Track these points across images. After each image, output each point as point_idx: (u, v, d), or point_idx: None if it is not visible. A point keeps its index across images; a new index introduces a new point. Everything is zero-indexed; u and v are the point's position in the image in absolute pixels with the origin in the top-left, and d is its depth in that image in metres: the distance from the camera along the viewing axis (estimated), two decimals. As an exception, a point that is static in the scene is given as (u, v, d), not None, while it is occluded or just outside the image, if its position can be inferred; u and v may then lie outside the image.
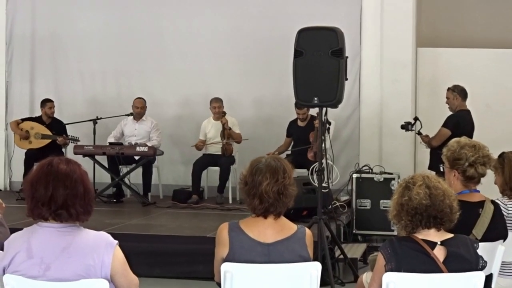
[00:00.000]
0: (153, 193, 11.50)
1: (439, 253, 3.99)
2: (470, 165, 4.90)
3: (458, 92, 10.01)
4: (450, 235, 4.07)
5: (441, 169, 5.13)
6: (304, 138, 10.70)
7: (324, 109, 7.88)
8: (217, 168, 11.24)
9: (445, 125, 9.90)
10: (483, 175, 4.97)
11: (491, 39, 11.77)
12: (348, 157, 11.67)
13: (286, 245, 4.23)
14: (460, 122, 9.81)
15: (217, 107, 11.31)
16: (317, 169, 7.99)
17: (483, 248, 4.34)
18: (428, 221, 4.02)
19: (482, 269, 4.08)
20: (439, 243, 4.00)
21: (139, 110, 11.61)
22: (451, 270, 3.95)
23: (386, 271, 3.98)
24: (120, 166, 11.25)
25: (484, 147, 4.98)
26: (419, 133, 10.14)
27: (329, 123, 9.17)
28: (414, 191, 4.03)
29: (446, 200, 4.03)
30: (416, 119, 10.26)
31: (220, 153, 11.20)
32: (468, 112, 10.00)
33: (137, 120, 11.67)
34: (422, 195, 4.01)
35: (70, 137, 11.61)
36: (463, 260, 3.99)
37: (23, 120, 11.88)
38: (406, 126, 10.26)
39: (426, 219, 4.02)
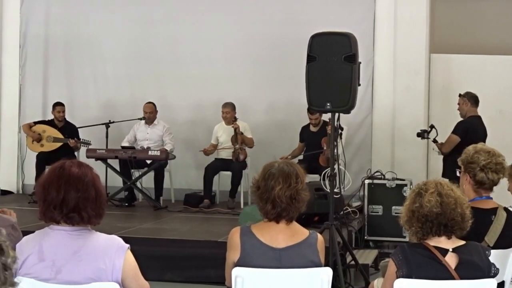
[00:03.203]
0: (165, 197, 11.52)
1: (451, 260, 3.97)
2: (480, 169, 4.88)
3: (468, 98, 9.99)
4: (462, 242, 4.05)
5: (458, 174, 5.12)
6: (316, 143, 10.70)
7: (337, 114, 7.86)
8: (229, 173, 11.25)
9: (454, 131, 9.89)
10: (494, 182, 4.93)
11: (505, 45, 11.75)
12: (360, 163, 11.65)
13: (297, 250, 4.23)
14: (469, 128, 9.79)
15: (225, 112, 11.34)
16: (329, 174, 7.98)
17: (495, 255, 4.32)
18: (439, 229, 4.00)
19: (494, 276, 4.06)
20: (450, 250, 3.99)
21: (148, 115, 11.64)
22: (463, 277, 3.93)
23: (397, 278, 3.96)
24: (132, 170, 11.27)
25: (499, 155, 4.95)
26: (434, 140, 10.12)
27: (342, 129, 9.14)
28: (426, 198, 4.01)
29: (457, 209, 4.00)
30: (432, 126, 10.22)
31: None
32: (479, 118, 9.96)
33: (148, 124, 11.69)
34: (433, 202, 3.99)
35: (81, 140, 11.64)
36: (475, 267, 3.97)
37: (36, 123, 11.92)
38: (422, 134, 10.25)
39: (436, 227, 4.00)
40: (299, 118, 11.29)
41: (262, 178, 4.28)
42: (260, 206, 4.28)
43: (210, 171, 11.24)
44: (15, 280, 2.35)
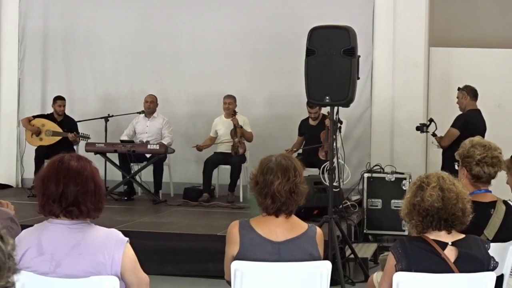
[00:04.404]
0: (164, 191, 11.52)
1: (450, 253, 3.97)
2: (476, 164, 4.88)
3: (467, 92, 9.99)
4: (462, 236, 4.05)
5: (456, 167, 5.12)
6: (315, 137, 10.70)
7: (336, 108, 7.86)
8: (228, 167, 11.25)
9: (453, 125, 9.88)
10: (490, 175, 4.92)
11: (504, 39, 11.74)
12: (359, 156, 11.65)
13: (296, 243, 4.23)
14: (468, 122, 9.78)
15: (227, 103, 11.35)
16: (328, 168, 7.98)
17: (494, 249, 4.32)
18: (439, 223, 4.00)
19: (493, 269, 4.06)
20: (450, 243, 3.99)
21: (148, 105, 11.62)
22: (462, 270, 3.93)
23: (396, 271, 3.97)
24: (132, 164, 11.26)
25: (496, 149, 4.94)
26: (433, 134, 10.11)
27: (341, 122, 9.15)
28: (427, 193, 4.00)
29: (458, 204, 4.00)
30: (431, 120, 10.22)
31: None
32: (478, 111, 9.96)
33: (148, 117, 11.69)
34: (435, 197, 3.98)
35: (80, 134, 11.63)
36: (474, 260, 3.97)
37: (35, 117, 11.91)
38: (421, 128, 10.25)
39: (436, 221, 3.99)
40: (298, 111, 11.28)
41: (261, 173, 4.27)
42: (260, 201, 4.27)
43: (209, 165, 11.23)
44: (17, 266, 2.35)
